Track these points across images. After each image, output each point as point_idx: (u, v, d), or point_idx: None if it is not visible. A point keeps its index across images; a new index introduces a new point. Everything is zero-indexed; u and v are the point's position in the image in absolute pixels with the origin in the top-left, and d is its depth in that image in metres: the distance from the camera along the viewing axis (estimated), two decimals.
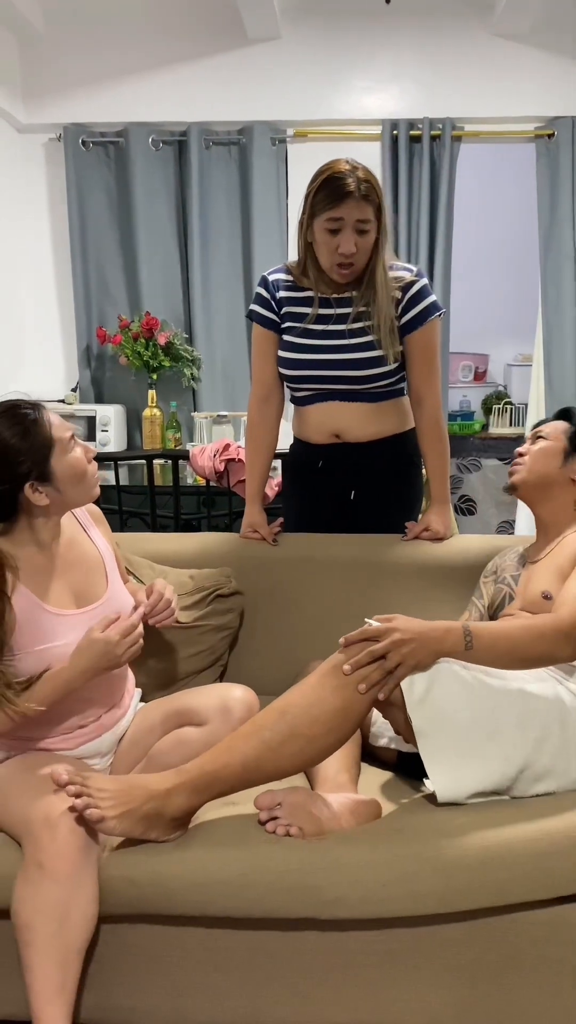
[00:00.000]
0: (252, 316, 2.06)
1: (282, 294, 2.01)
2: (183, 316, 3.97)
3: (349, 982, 1.34)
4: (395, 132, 3.77)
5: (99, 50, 3.79)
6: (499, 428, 4.59)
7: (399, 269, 1.96)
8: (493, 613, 1.81)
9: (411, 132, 3.77)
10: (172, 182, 3.91)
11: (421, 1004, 1.35)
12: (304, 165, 3.88)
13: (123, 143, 3.83)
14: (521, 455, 1.79)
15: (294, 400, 2.11)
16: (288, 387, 2.10)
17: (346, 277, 1.91)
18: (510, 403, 4.64)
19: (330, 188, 1.82)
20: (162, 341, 3.74)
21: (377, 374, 1.97)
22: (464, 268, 4.45)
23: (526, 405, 4.26)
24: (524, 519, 4.15)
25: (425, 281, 1.97)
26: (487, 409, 4.72)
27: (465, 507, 4.53)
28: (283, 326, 2.02)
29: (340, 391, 2.00)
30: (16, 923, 1.23)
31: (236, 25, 3.65)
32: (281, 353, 2.03)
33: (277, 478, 2.80)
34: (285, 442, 2.21)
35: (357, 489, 2.11)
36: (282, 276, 2.03)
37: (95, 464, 1.53)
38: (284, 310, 2.01)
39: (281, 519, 2.15)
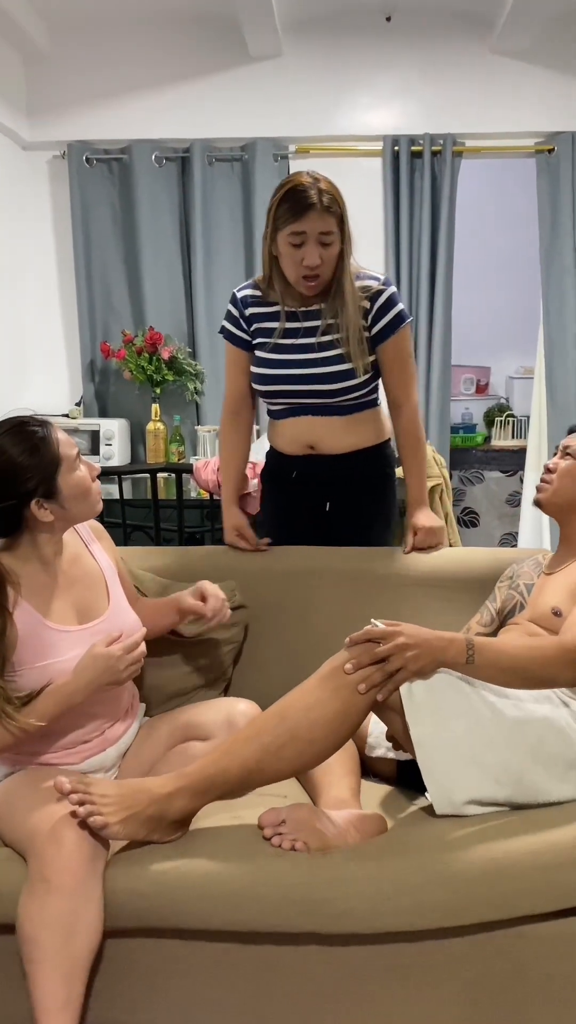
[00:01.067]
0: (223, 334, 2.06)
1: (251, 310, 2.01)
2: (186, 331, 3.99)
3: (354, 998, 1.33)
4: (396, 148, 3.80)
5: (103, 68, 3.84)
6: (501, 440, 4.60)
7: (366, 278, 1.95)
8: (503, 619, 1.81)
9: (412, 148, 3.80)
10: (175, 198, 3.94)
11: (426, 1019, 1.34)
12: None
13: (127, 160, 3.86)
14: (549, 471, 1.76)
15: (268, 413, 2.12)
16: (263, 400, 2.10)
17: (313, 289, 1.90)
18: (512, 415, 4.65)
19: (292, 201, 1.80)
20: (165, 355, 3.76)
21: (348, 387, 1.97)
22: (466, 281, 4.47)
23: (528, 417, 4.27)
24: (527, 531, 4.16)
25: (393, 289, 1.96)
26: (489, 421, 4.73)
27: (468, 519, 4.53)
28: (255, 342, 2.02)
29: (313, 405, 2.01)
30: (21, 937, 1.23)
31: (238, 43, 3.69)
32: (253, 369, 2.03)
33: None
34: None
35: (332, 500, 2.11)
36: (250, 292, 2.02)
37: (99, 482, 1.55)
38: (254, 327, 2.01)
39: (268, 539, 2.15)
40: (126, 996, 1.35)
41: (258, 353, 2.01)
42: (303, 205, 1.79)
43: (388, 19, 3.75)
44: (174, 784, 1.31)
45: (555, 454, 1.81)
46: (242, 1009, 1.34)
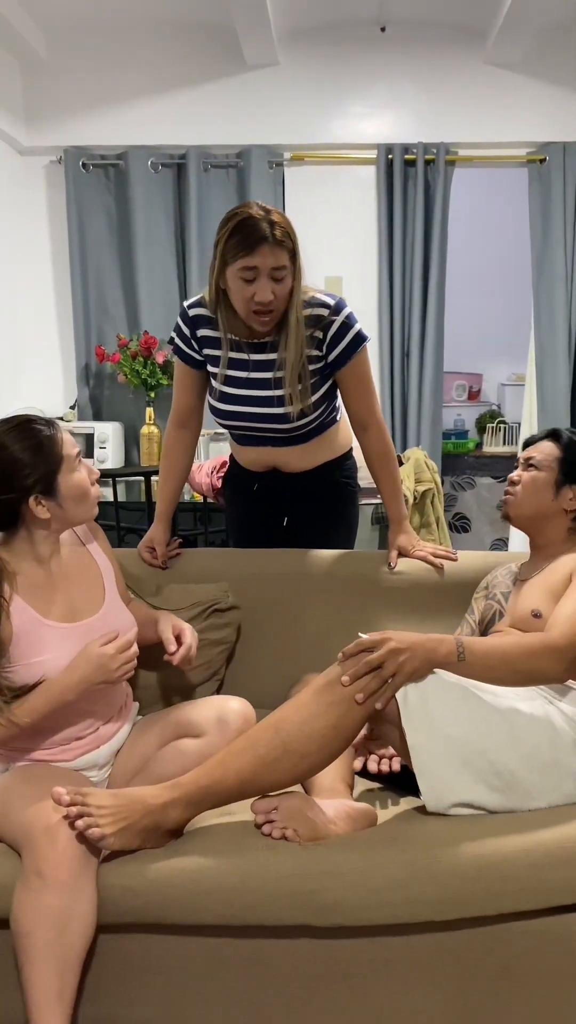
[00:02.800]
0: (173, 348, 1.99)
1: (202, 332, 1.92)
2: None
3: (344, 992, 1.35)
4: (390, 156, 3.84)
5: (100, 74, 3.86)
6: (493, 447, 4.64)
7: (316, 305, 1.84)
8: (484, 629, 1.83)
9: (406, 156, 3.83)
10: (171, 204, 3.97)
11: (415, 1014, 1.36)
12: (301, 188, 3.95)
13: (123, 165, 3.89)
14: (513, 483, 1.78)
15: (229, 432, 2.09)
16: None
17: (266, 325, 1.81)
18: (503, 422, 4.69)
19: (242, 234, 1.70)
20: (160, 360, 3.78)
21: (305, 423, 1.94)
22: (458, 289, 4.51)
23: (519, 424, 4.31)
24: (518, 537, 4.18)
25: (345, 315, 1.85)
26: (481, 428, 4.77)
27: (459, 524, 4.56)
28: (208, 368, 1.96)
29: (272, 438, 1.99)
30: (15, 932, 1.24)
31: (235, 51, 3.73)
32: (211, 401, 1.99)
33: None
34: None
35: (291, 514, 2.14)
36: (201, 311, 1.91)
37: (98, 485, 1.57)
38: (205, 351, 1.93)
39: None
40: (119, 990, 1.36)
41: (214, 384, 1.95)
42: (255, 238, 1.69)
43: (383, 29, 3.79)
44: (169, 795, 1.33)
45: (516, 466, 1.81)
46: (233, 1002, 1.36)
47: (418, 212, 3.85)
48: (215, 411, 1.99)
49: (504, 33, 3.51)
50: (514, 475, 1.79)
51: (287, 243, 1.73)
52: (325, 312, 1.84)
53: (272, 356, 1.87)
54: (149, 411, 3.85)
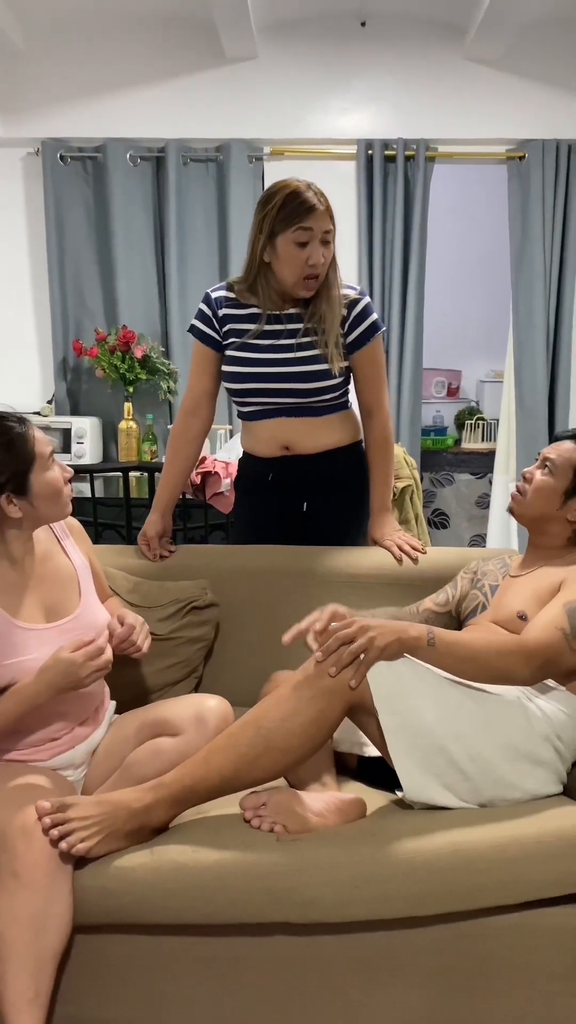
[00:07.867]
0: (193, 332, 2.06)
1: (224, 311, 2.01)
2: (160, 330, 3.99)
3: (322, 989, 1.35)
4: (370, 152, 3.83)
5: (78, 66, 3.82)
6: (471, 443, 4.66)
7: (343, 287, 2.00)
8: (462, 615, 1.83)
9: (386, 152, 3.83)
10: (150, 198, 3.94)
11: (393, 1011, 1.36)
12: None
13: (101, 158, 3.86)
14: (526, 479, 1.74)
15: (241, 415, 2.11)
16: (234, 401, 2.09)
17: (313, 288, 1.93)
18: (482, 418, 4.70)
19: (296, 202, 1.86)
20: (138, 354, 3.76)
21: (323, 387, 1.99)
22: (438, 286, 4.52)
23: (498, 420, 4.33)
24: (495, 532, 4.21)
25: (368, 300, 2.02)
26: (460, 424, 4.79)
27: (438, 521, 4.58)
28: (226, 343, 2.02)
29: (287, 406, 2.01)
30: None
31: (214, 44, 3.70)
32: (227, 368, 2.02)
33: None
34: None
35: (309, 501, 2.12)
36: (225, 294, 2.03)
37: (71, 484, 1.55)
38: (227, 327, 2.01)
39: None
40: (95, 991, 1.36)
41: (231, 352, 2.01)
42: (308, 206, 1.86)
43: (363, 24, 3.79)
44: (152, 796, 1.33)
45: (536, 460, 1.77)
46: (210, 1002, 1.36)
47: (398, 208, 3.85)
48: (234, 377, 2.01)
49: (484, 29, 3.51)
50: (528, 471, 1.75)
51: (331, 211, 1.90)
52: (352, 292, 2.01)
53: (298, 325, 1.97)
54: (127, 406, 3.83)
